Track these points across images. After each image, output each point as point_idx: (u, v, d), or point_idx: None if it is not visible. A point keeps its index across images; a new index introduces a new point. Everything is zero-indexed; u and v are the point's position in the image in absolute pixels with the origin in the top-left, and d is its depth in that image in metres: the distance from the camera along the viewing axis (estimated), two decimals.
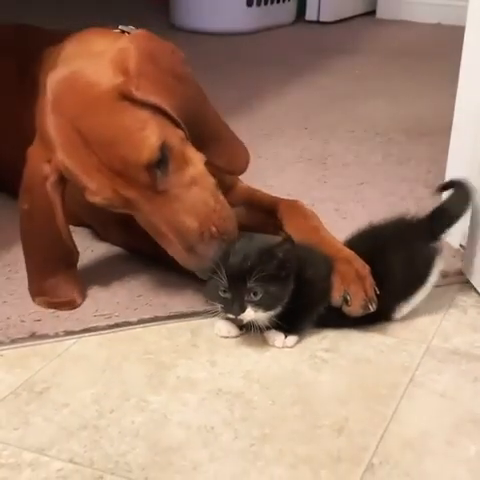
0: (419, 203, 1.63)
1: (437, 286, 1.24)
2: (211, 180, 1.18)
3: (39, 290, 1.24)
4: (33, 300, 1.24)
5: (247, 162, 1.28)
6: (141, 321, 1.20)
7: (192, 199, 1.14)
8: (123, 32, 1.28)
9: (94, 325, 1.18)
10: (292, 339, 1.15)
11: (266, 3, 3.23)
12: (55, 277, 1.24)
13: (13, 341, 1.14)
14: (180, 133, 1.15)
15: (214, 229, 1.13)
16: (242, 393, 1.05)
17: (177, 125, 1.15)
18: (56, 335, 1.16)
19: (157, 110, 1.12)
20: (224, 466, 0.92)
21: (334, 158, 1.90)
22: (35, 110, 1.19)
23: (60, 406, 1.02)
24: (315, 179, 1.78)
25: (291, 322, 1.14)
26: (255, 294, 1.08)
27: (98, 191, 1.12)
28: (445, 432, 0.99)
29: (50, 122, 1.13)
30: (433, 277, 1.21)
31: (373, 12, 3.61)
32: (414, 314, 1.22)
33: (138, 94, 1.10)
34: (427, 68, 2.76)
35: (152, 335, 1.18)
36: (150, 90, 1.11)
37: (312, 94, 2.43)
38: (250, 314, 1.09)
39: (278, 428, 0.99)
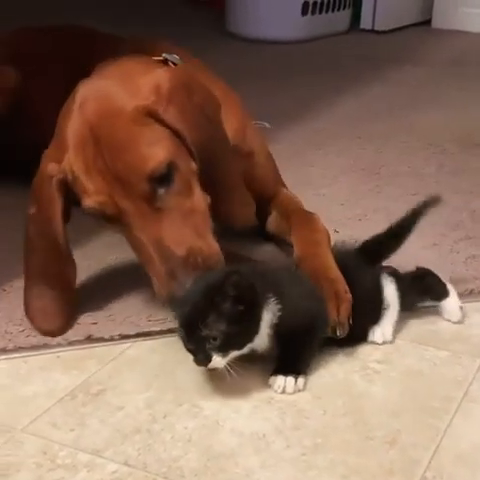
0: (473, 215, 1.61)
1: None
2: (208, 220, 1.16)
3: (28, 307, 1.22)
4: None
5: (247, 221, 1.25)
6: None
7: (186, 226, 1.12)
8: (166, 60, 1.30)
9: (148, 330, 1.20)
10: (302, 381, 1.08)
11: (321, 12, 3.23)
12: (47, 296, 1.21)
13: (70, 343, 1.17)
14: (192, 165, 1.15)
15: (200, 259, 1.10)
16: (294, 402, 1.06)
17: (192, 157, 1.15)
18: (111, 338, 1.18)
19: (177, 135, 1.13)
20: (276, 474, 0.93)
21: (387, 168, 1.89)
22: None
23: (115, 409, 1.04)
24: (368, 189, 1.77)
25: (294, 362, 1.09)
26: (214, 339, 1.01)
27: (94, 193, 1.12)
28: None
29: (70, 123, 1.14)
30: (392, 298, 1.18)
31: (429, 21, 3.58)
32: (468, 328, 1.21)
33: (163, 114, 1.12)
34: None
35: None
36: (175, 115, 1.13)
37: (365, 103, 2.42)
38: (218, 362, 1.02)
39: (330, 438, 0.99)
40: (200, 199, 1.16)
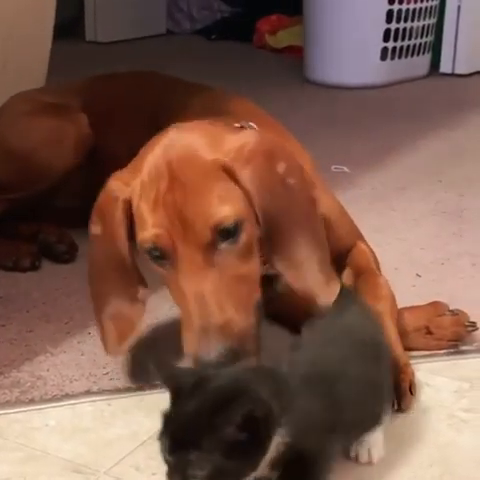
0: None
1: None
2: (256, 292, 1.11)
3: (101, 327, 1.19)
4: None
5: (328, 299, 1.11)
6: None
7: (234, 291, 1.07)
8: (241, 127, 1.27)
9: None
10: None
11: (400, 57, 3.23)
12: (118, 315, 1.17)
13: (152, 386, 1.17)
14: (257, 231, 1.11)
15: (236, 331, 1.04)
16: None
17: (257, 223, 1.11)
18: None
19: (247, 197, 1.10)
20: None
21: (470, 212, 1.86)
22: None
23: None
24: (450, 233, 1.74)
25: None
26: (201, 468, 0.82)
27: (154, 226, 1.08)
28: None
29: (151, 155, 1.13)
30: None
31: None
32: None
33: (237, 173, 1.10)
34: None
35: None
36: (249, 177, 1.10)
37: (447, 148, 2.40)
38: None
39: None
40: (255, 268, 1.11)
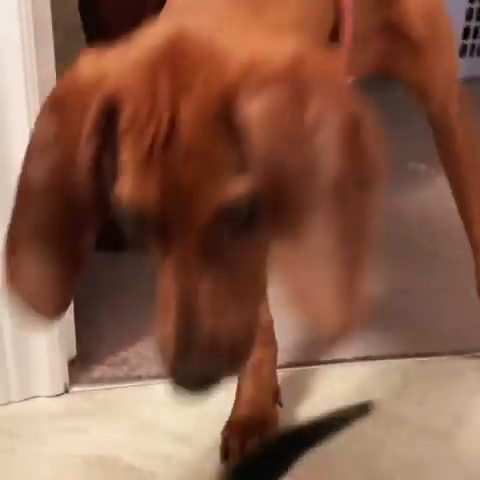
0: None
1: None
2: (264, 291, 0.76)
3: (14, 279, 0.76)
4: None
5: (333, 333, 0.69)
6: (356, 358, 1.31)
7: (239, 292, 0.70)
8: None
9: (315, 359, 1.30)
10: None
11: (479, 54, 3.28)
12: (45, 267, 0.74)
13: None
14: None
15: (227, 343, 0.69)
16: (452, 433, 1.12)
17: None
18: None
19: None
20: None
21: None
22: None
23: None
24: None
25: None
26: None
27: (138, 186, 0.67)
28: None
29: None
30: None
31: None
32: None
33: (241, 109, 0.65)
34: None
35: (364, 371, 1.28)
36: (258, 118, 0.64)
37: None
38: None
39: None
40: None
